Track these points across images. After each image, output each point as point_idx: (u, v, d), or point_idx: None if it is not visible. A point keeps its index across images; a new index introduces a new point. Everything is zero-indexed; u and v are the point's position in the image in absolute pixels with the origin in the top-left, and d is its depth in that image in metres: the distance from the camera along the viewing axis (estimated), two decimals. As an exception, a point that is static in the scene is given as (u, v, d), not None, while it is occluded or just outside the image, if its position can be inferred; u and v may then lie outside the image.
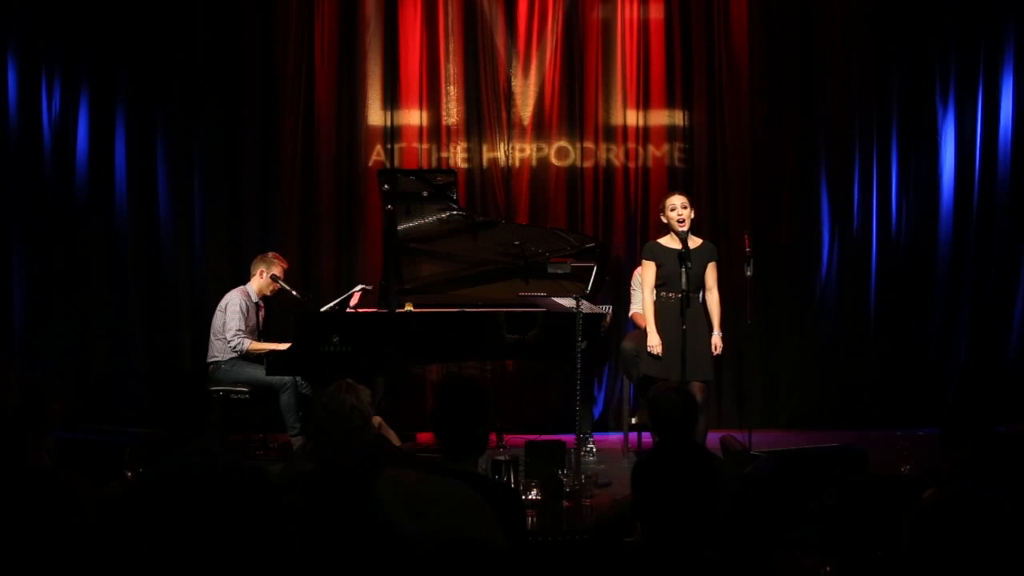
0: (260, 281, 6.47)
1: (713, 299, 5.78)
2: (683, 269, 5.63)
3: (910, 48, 7.57)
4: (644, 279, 5.89)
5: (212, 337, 6.39)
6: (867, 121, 7.59)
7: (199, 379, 6.41)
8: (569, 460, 5.19)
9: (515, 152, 7.53)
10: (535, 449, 5.22)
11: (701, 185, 7.43)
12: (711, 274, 5.79)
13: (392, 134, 7.49)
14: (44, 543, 2.58)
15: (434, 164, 7.42)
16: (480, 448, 3.12)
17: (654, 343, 5.74)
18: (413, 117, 7.48)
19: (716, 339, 5.72)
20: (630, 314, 6.81)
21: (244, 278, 6.61)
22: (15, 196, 7.06)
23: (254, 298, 6.45)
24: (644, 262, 5.88)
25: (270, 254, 6.56)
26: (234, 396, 6.19)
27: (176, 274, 7.29)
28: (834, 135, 7.59)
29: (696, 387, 5.65)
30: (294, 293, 6.52)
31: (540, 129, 7.52)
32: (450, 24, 7.45)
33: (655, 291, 5.80)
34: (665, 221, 5.82)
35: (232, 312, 6.30)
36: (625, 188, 7.59)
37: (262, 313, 6.55)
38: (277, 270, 6.48)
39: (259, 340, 6.43)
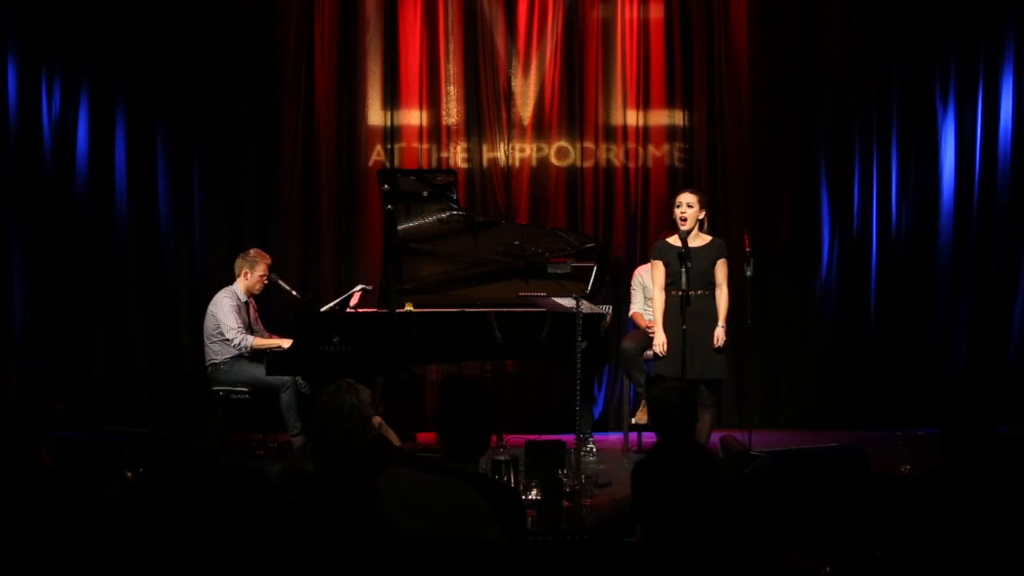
0: (245, 282, 6.40)
1: (721, 295, 5.77)
2: (683, 268, 5.64)
3: (910, 48, 7.56)
4: (654, 278, 5.92)
5: (207, 340, 6.35)
6: (867, 121, 7.59)
7: (201, 379, 6.40)
8: (569, 460, 5.20)
9: (515, 152, 7.53)
10: (535, 449, 5.22)
11: (701, 185, 7.39)
12: (720, 271, 5.79)
13: (392, 134, 7.48)
14: (44, 543, 2.58)
15: (434, 164, 7.42)
16: (482, 448, 3.12)
17: (658, 342, 5.75)
18: (413, 117, 7.48)
19: (719, 332, 5.72)
20: (630, 314, 6.81)
21: (243, 278, 6.60)
22: (15, 196, 7.06)
23: (242, 297, 6.41)
24: (652, 261, 5.92)
25: (251, 252, 6.49)
26: (234, 396, 6.19)
27: (176, 274, 7.29)
28: (834, 135, 7.59)
29: (703, 385, 5.67)
30: (294, 293, 6.52)
31: (540, 129, 7.52)
32: (450, 24, 7.44)
33: (664, 289, 5.82)
34: (674, 218, 5.84)
35: (226, 311, 6.27)
36: (625, 188, 7.59)
37: (253, 311, 6.54)
38: (261, 268, 6.41)
39: (255, 337, 6.41)
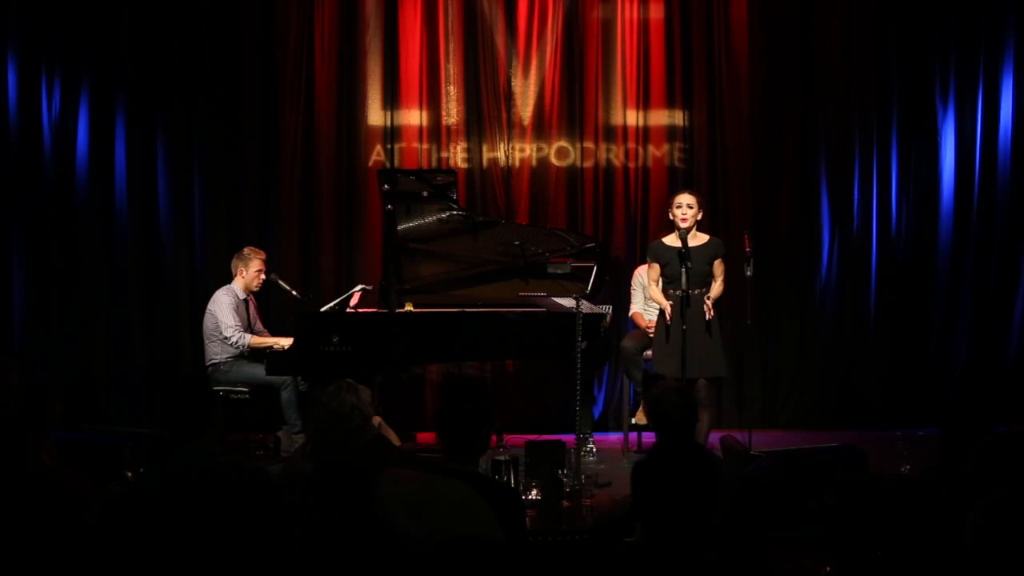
0: (243, 279, 6.44)
1: (716, 284, 5.80)
2: (683, 269, 5.64)
3: (910, 48, 7.56)
4: (649, 278, 5.93)
5: (207, 340, 6.37)
6: (867, 121, 7.59)
7: (201, 379, 6.39)
8: (569, 460, 5.20)
9: (515, 152, 7.53)
10: (535, 449, 5.22)
11: (701, 185, 7.41)
12: (717, 267, 5.81)
13: (392, 134, 7.48)
14: (44, 543, 2.58)
15: (434, 164, 7.42)
16: (481, 448, 3.12)
17: (659, 308, 5.80)
18: (413, 117, 7.48)
19: (707, 302, 5.69)
20: (630, 314, 6.82)
21: (242, 278, 6.60)
22: (15, 196, 7.06)
23: (241, 295, 6.43)
24: (648, 263, 5.93)
25: (245, 250, 6.52)
26: (234, 396, 6.20)
27: (176, 274, 7.28)
28: (834, 135, 7.59)
29: (702, 384, 5.68)
30: (294, 293, 6.52)
31: (540, 129, 7.52)
32: (450, 24, 7.44)
33: (658, 284, 5.84)
34: (671, 218, 5.84)
35: (224, 310, 6.29)
36: (625, 188, 7.59)
37: (252, 308, 6.55)
38: (256, 264, 6.45)
39: (253, 335, 6.41)
